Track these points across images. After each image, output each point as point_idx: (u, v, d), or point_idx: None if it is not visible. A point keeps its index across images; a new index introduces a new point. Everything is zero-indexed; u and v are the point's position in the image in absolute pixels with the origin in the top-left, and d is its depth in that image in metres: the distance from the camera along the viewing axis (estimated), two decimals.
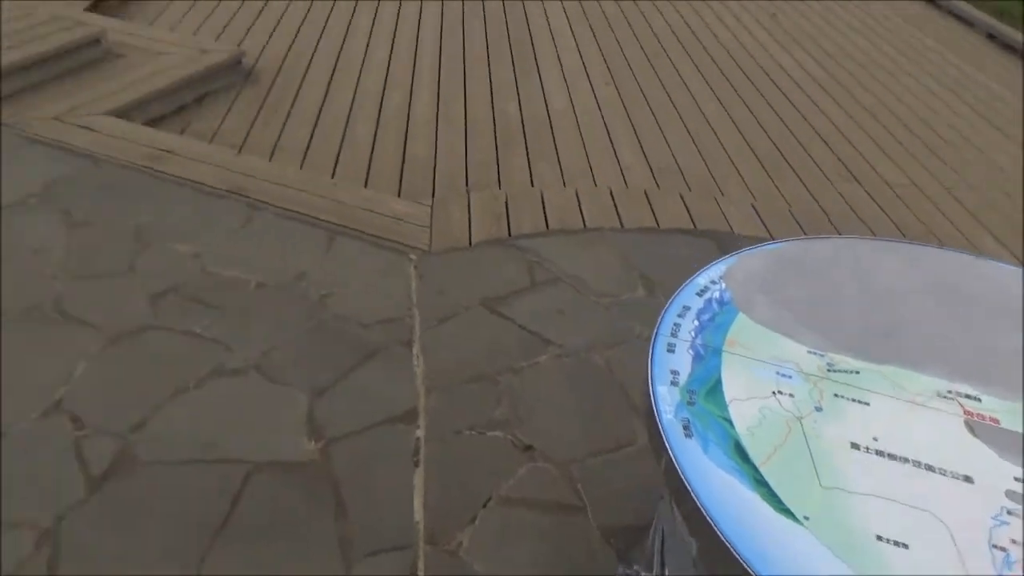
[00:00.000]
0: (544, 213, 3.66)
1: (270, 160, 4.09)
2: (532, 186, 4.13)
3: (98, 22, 4.90)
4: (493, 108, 4.91)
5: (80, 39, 4.45)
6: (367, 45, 5.59)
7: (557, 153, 4.49)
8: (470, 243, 3.42)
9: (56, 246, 2.95)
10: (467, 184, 4.12)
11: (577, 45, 6.02)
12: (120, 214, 3.16)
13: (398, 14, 6.23)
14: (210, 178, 3.59)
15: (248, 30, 5.61)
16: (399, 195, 3.93)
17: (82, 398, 2.36)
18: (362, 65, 5.27)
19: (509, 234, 3.49)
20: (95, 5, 5.40)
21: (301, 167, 4.08)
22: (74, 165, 3.46)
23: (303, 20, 5.88)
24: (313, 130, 4.44)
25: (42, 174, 3.35)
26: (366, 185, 4.00)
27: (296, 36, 5.60)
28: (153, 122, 4.25)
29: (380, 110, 4.73)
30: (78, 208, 3.16)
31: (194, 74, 4.54)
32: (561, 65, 5.64)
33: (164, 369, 2.48)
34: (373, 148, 4.33)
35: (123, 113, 4.12)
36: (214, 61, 4.69)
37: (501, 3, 6.73)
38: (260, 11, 5.96)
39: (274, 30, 5.66)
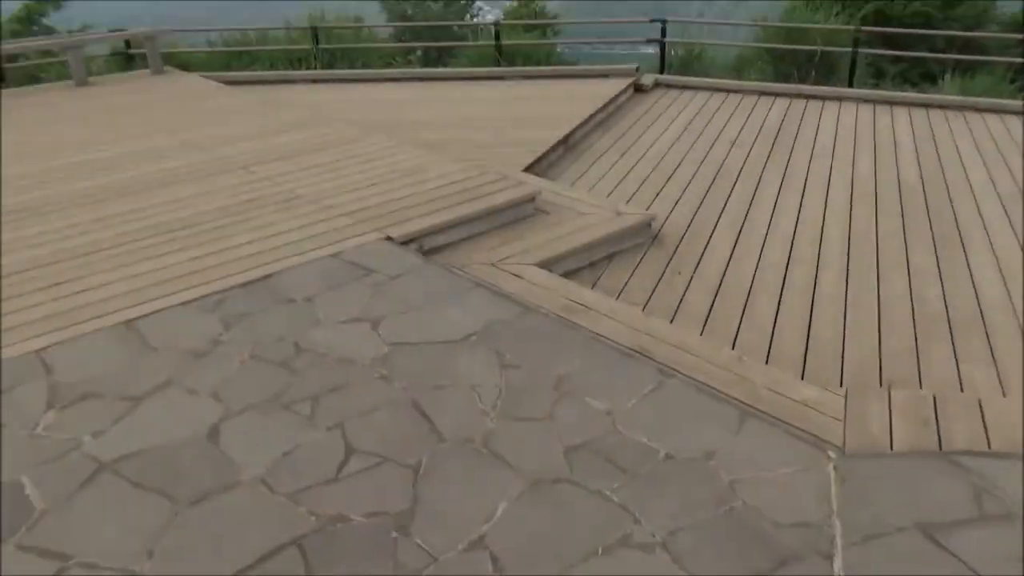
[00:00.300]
0: (984, 425, 3.16)
1: (671, 322, 4.18)
2: (961, 389, 3.63)
3: (533, 182, 5.60)
4: (911, 293, 4.50)
5: (520, 197, 5.10)
6: (771, 216, 5.58)
7: (992, 353, 3.92)
8: (891, 446, 3.06)
9: (489, 384, 3.26)
10: (880, 376, 3.76)
11: (1013, 228, 5.35)
12: (542, 361, 3.41)
13: (804, 186, 6.17)
14: (618, 335, 3.75)
15: (657, 195, 5.97)
16: (802, 377, 3.72)
17: (501, 540, 2.48)
18: (766, 236, 5.25)
19: (940, 445, 3.05)
20: (530, 167, 6.20)
21: (701, 333, 4.09)
22: (506, 309, 3.86)
23: (708, 189, 6.10)
24: (714, 298, 4.46)
25: (481, 315, 3.78)
26: (767, 361, 3.86)
27: (701, 204, 5.81)
28: (569, 274, 4.64)
29: (783, 284, 4.62)
30: (509, 350, 3.49)
31: (609, 234, 4.91)
32: (994, 251, 5.04)
33: (575, 526, 2.53)
34: (775, 323, 4.20)
35: (546, 264, 4.56)
36: (627, 223, 5.04)
37: (919, 176, 6.32)
38: (668, 178, 6.34)
39: (680, 197, 5.95)
